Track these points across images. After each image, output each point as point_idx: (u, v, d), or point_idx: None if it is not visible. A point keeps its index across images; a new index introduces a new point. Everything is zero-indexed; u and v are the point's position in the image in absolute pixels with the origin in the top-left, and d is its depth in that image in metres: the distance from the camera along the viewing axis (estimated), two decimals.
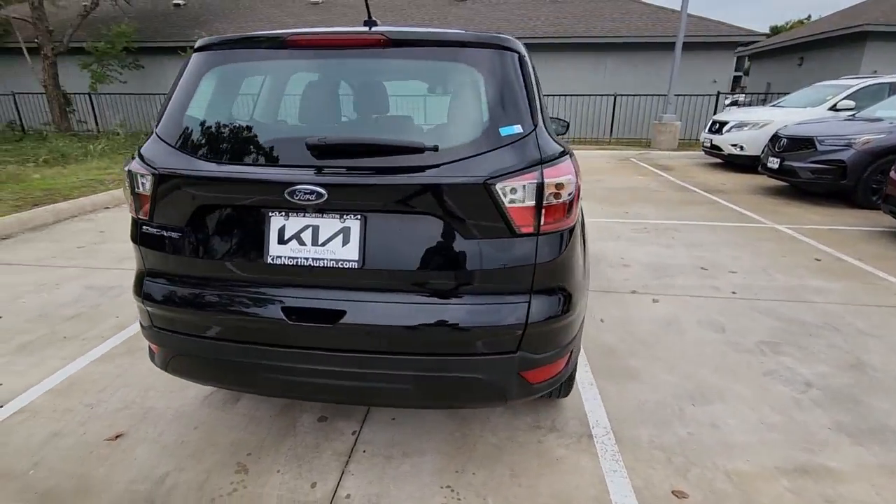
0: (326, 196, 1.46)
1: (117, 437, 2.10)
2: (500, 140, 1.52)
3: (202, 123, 1.67)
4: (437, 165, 1.48)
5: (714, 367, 2.66)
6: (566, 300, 1.64)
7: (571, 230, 1.64)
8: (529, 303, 1.56)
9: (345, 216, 1.51)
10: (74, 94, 14.28)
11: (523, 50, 1.72)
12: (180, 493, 1.80)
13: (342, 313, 1.53)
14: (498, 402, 1.84)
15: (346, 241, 1.51)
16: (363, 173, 1.49)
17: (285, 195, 1.47)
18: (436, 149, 1.50)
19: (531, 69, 1.74)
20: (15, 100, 14.70)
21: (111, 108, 15.14)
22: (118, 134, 12.90)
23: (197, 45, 1.75)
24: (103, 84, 13.93)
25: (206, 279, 1.64)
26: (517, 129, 1.55)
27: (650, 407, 2.32)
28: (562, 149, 1.66)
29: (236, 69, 1.77)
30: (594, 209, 6.28)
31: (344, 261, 1.51)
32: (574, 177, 1.61)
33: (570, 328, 1.71)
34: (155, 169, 1.59)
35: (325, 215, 1.52)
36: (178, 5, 17.48)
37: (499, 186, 1.47)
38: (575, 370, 2.29)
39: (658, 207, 6.38)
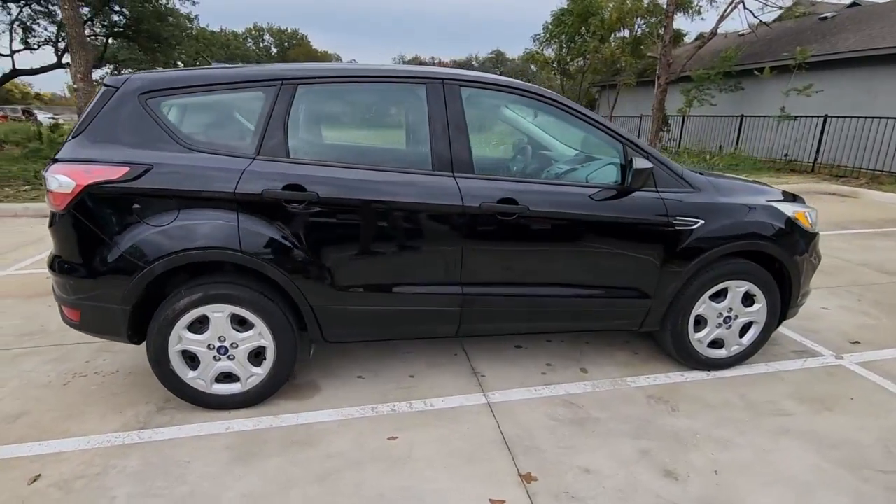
0: None
1: None
2: None
3: None
4: None
5: None
6: (57, 263, 2.22)
7: (59, 214, 2.15)
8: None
9: None
10: (672, 116, 16.45)
11: (119, 86, 2.20)
12: None
13: None
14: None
15: None
16: None
17: None
18: None
19: (115, 99, 2.19)
20: (640, 121, 18.62)
21: (699, 129, 16.32)
22: (694, 152, 14.23)
23: None
24: (695, 107, 15.25)
25: None
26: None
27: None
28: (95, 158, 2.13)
29: None
30: None
31: None
32: (64, 177, 2.10)
33: (62, 287, 2.23)
34: None
35: None
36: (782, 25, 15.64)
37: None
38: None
39: None
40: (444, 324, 2.57)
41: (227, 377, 2.43)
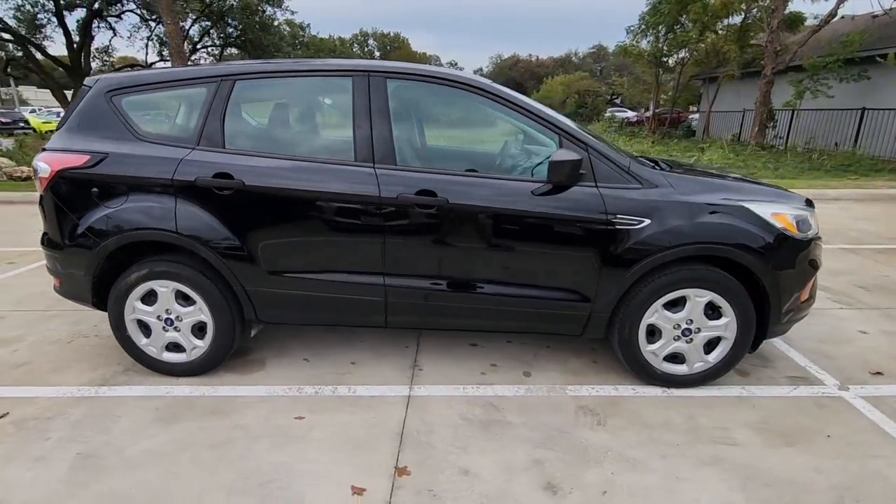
0: None
1: None
2: None
3: None
4: None
5: None
6: (45, 238, 2.60)
7: (42, 196, 2.52)
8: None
9: None
10: (780, 110, 14.61)
11: (93, 85, 2.54)
12: None
13: None
14: None
15: None
16: None
17: None
18: None
19: (89, 96, 2.52)
20: (742, 116, 16.79)
21: (811, 125, 14.32)
22: (799, 151, 12.65)
23: None
24: (807, 100, 13.42)
25: None
26: None
27: None
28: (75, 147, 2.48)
29: None
30: None
31: None
32: (43, 164, 2.47)
33: (47, 258, 2.61)
34: None
35: None
36: None
37: None
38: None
39: None
40: (370, 313, 2.60)
41: (177, 347, 2.68)
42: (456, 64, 72.47)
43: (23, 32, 18.28)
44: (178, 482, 1.96)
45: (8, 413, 2.40)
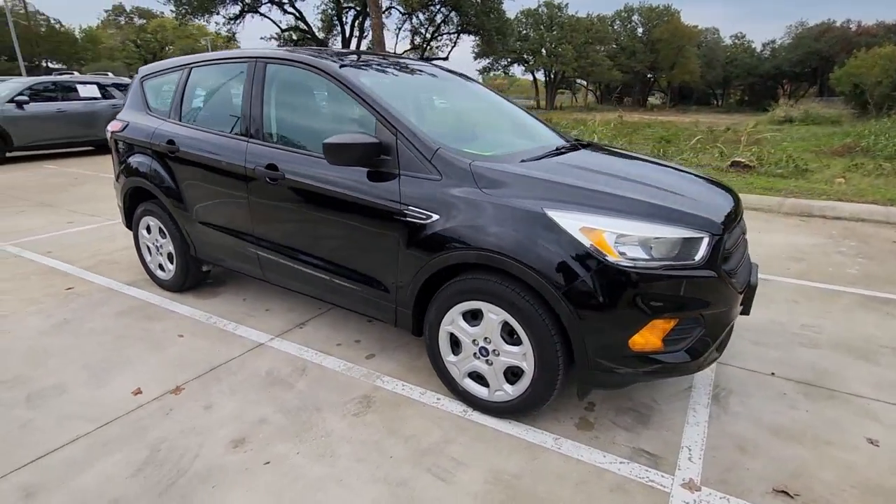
0: None
1: None
2: None
3: None
4: None
5: None
6: (114, 183, 3.81)
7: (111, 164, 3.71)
8: None
9: None
10: None
11: (138, 73, 3.55)
12: None
13: None
14: None
15: None
16: None
17: None
18: None
19: (134, 81, 3.55)
20: None
21: None
22: None
23: None
24: None
25: None
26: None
27: None
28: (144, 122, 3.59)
29: None
30: None
31: None
32: (108, 127, 3.65)
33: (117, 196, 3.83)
34: None
35: None
36: None
37: None
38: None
39: None
40: (251, 266, 3.05)
41: (162, 267, 3.65)
42: (744, 37, 60.97)
43: (321, 36, 23.66)
44: (74, 351, 2.84)
45: (73, 288, 3.74)
